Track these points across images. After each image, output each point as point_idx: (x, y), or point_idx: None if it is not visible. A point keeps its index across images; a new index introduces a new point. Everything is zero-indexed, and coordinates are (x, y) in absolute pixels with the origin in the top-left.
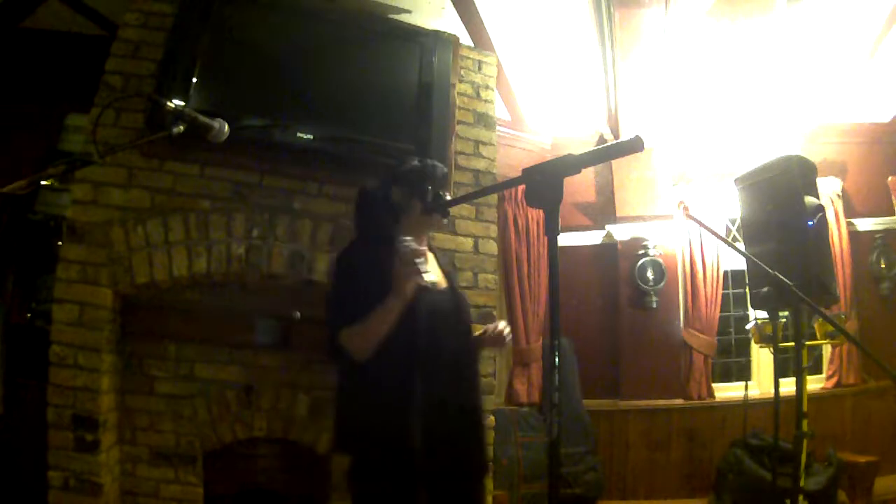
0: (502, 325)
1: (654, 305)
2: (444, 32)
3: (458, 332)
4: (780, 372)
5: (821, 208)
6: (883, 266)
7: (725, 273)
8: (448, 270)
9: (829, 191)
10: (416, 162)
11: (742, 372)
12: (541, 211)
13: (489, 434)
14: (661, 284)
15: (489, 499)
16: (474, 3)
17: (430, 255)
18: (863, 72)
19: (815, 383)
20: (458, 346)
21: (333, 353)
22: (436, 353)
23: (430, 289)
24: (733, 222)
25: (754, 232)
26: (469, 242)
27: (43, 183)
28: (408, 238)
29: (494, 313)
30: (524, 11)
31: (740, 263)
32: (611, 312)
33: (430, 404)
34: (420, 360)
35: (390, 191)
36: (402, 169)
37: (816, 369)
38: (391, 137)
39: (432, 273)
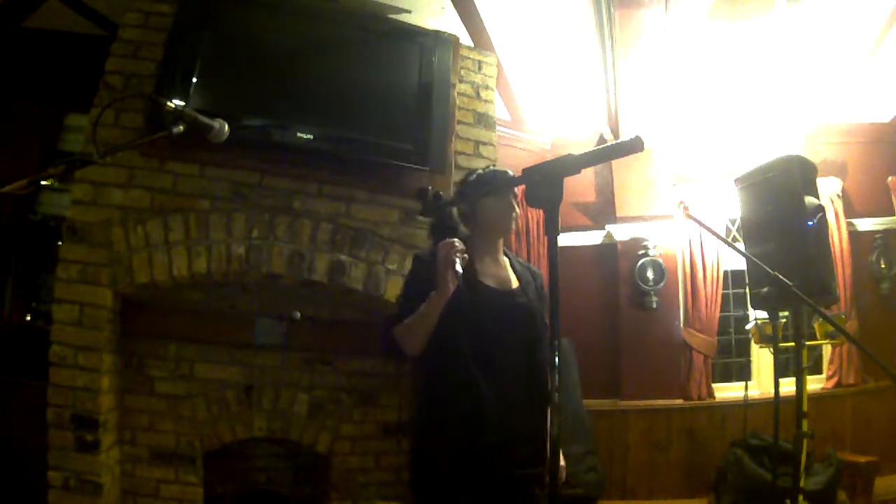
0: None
1: (654, 305)
2: (444, 32)
3: (524, 331)
4: (780, 372)
5: (821, 208)
6: (883, 266)
7: (725, 273)
8: (522, 274)
9: (829, 191)
10: (480, 170)
11: (742, 372)
12: (541, 211)
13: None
14: (661, 284)
15: None
16: (474, 3)
17: (505, 259)
18: (863, 72)
19: (815, 383)
20: (523, 345)
21: (388, 348)
22: (497, 352)
23: (490, 286)
24: (733, 222)
25: (754, 232)
26: None
27: (43, 183)
28: (452, 240)
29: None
30: (524, 11)
31: (740, 263)
32: (611, 312)
33: (491, 401)
34: (478, 358)
35: (458, 199)
36: (468, 178)
37: (816, 369)
38: (391, 137)
39: (501, 272)
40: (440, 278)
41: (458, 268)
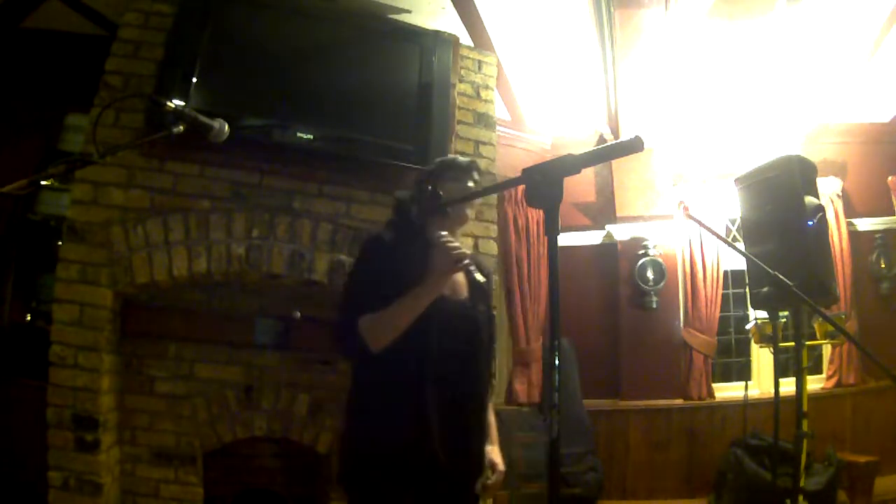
0: (493, 479)
1: (654, 305)
2: (444, 32)
3: (469, 343)
4: (780, 372)
5: (821, 208)
6: (883, 266)
7: (725, 273)
8: (473, 282)
9: (829, 191)
10: (438, 160)
11: (742, 372)
12: (541, 211)
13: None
14: (661, 284)
15: (489, 499)
16: (474, 3)
17: None
18: (863, 72)
19: (815, 383)
20: (466, 356)
21: (345, 341)
22: (441, 360)
23: (444, 295)
24: (733, 222)
25: (754, 232)
26: (469, 242)
27: (43, 183)
28: (444, 232)
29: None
30: (524, 11)
31: (740, 263)
32: (611, 312)
33: (433, 407)
34: (430, 362)
35: (421, 188)
36: (424, 168)
37: (816, 369)
38: (391, 137)
39: (454, 279)
40: (440, 276)
41: (476, 275)
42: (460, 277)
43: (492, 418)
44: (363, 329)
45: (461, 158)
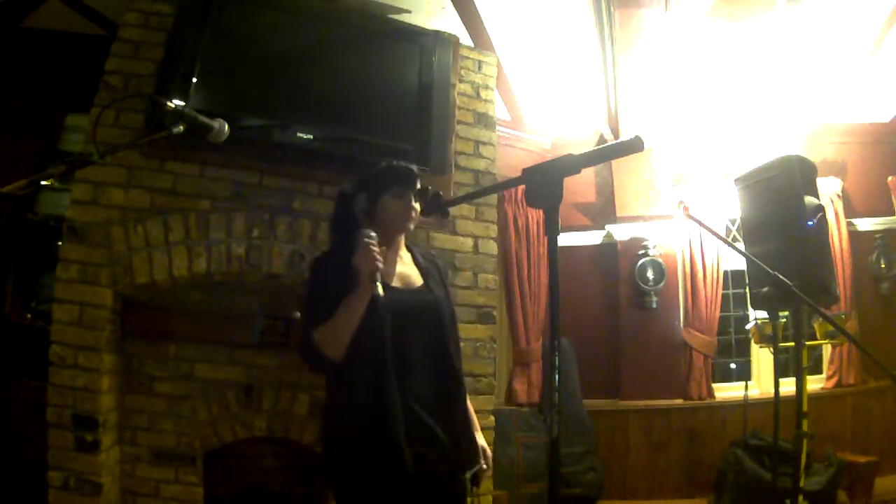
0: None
1: (654, 305)
2: (444, 32)
3: (433, 330)
4: (780, 372)
5: (821, 208)
6: (883, 266)
7: (725, 273)
8: (427, 269)
9: (829, 191)
10: (383, 164)
11: (742, 372)
12: (541, 211)
13: (489, 433)
14: (661, 284)
15: (489, 499)
16: (474, 3)
17: (408, 254)
18: (863, 71)
19: (815, 383)
20: (432, 344)
21: (309, 356)
22: (406, 352)
23: (396, 287)
24: (733, 222)
25: (754, 232)
26: (469, 242)
27: (43, 183)
28: (369, 231)
29: (495, 314)
30: (524, 11)
31: (740, 263)
32: (611, 312)
33: (402, 403)
34: (389, 358)
35: (358, 194)
36: (369, 171)
37: (816, 369)
38: (391, 137)
39: (404, 270)
40: (363, 276)
41: (380, 264)
42: (410, 267)
43: (468, 403)
44: (317, 343)
45: (409, 167)
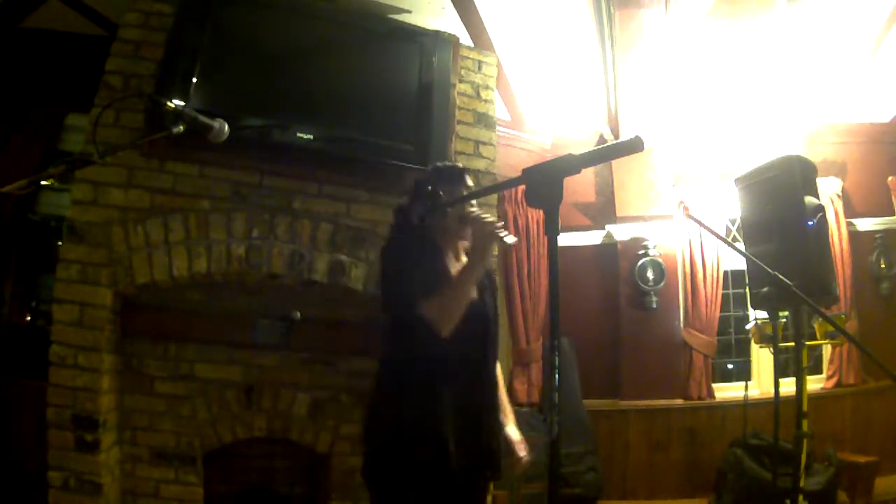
0: (521, 454)
1: (654, 305)
2: (444, 32)
3: (480, 342)
4: (780, 372)
5: (821, 208)
6: (883, 266)
7: (725, 273)
8: (481, 281)
9: (829, 191)
10: (429, 168)
11: (742, 372)
12: (541, 211)
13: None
14: (661, 284)
15: (489, 499)
16: (474, 3)
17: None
18: (863, 71)
19: (815, 383)
20: (476, 354)
21: (415, 336)
22: (454, 359)
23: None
24: (733, 222)
25: (754, 232)
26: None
27: (43, 183)
28: (473, 208)
29: None
30: (524, 11)
31: (740, 263)
32: (611, 312)
33: (451, 406)
34: (443, 361)
35: (413, 204)
36: (418, 179)
37: (816, 369)
38: (391, 137)
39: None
40: (484, 250)
41: (509, 239)
42: None
43: (504, 398)
44: (431, 315)
45: (456, 165)
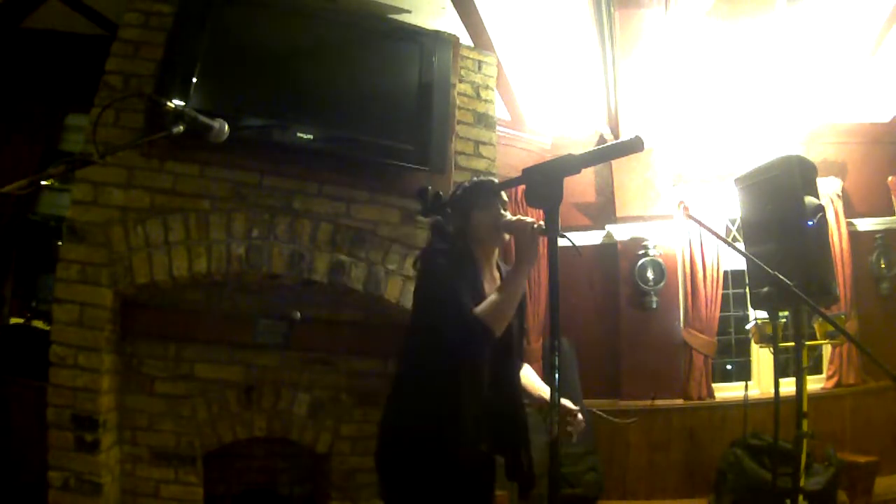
0: (575, 409)
1: (654, 305)
2: (444, 32)
3: (503, 353)
4: (780, 372)
5: (821, 208)
6: (883, 266)
7: (725, 273)
8: None
9: (829, 191)
10: (466, 183)
11: (742, 372)
12: (541, 211)
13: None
14: (661, 284)
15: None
16: (474, 3)
17: (497, 274)
18: (863, 71)
19: (815, 383)
20: (499, 364)
21: (471, 340)
22: (479, 366)
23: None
24: (733, 222)
25: (754, 232)
26: None
27: (43, 183)
28: (507, 214)
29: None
30: (524, 11)
31: (740, 263)
32: (611, 312)
33: (479, 405)
34: (483, 367)
35: (450, 218)
36: (454, 193)
37: (816, 369)
38: (391, 137)
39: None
40: (530, 249)
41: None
42: (497, 282)
43: (536, 380)
44: (484, 320)
45: (485, 179)
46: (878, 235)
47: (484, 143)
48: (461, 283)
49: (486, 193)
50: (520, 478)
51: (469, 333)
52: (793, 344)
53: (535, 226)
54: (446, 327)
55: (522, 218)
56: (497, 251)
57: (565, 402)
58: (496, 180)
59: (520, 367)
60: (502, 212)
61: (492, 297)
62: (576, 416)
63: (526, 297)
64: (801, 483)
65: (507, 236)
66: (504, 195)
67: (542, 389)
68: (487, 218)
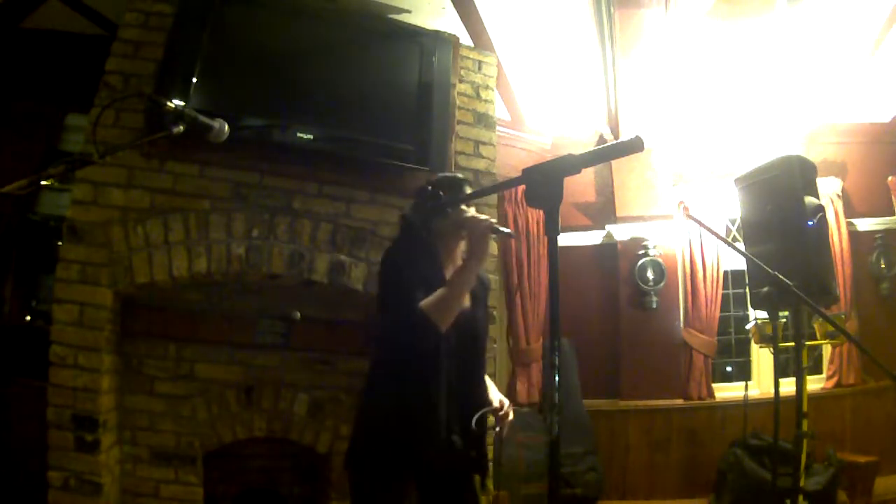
0: (507, 408)
1: (654, 305)
2: (444, 32)
3: (467, 350)
4: (780, 372)
5: (821, 208)
6: (883, 266)
7: (725, 273)
8: (473, 290)
9: (829, 191)
10: (431, 180)
11: (742, 372)
12: (541, 211)
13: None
14: (661, 284)
15: (489, 499)
16: (474, 3)
17: None
18: (863, 71)
19: (815, 383)
20: (463, 360)
21: (417, 334)
22: (441, 362)
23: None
24: (733, 222)
25: (754, 232)
26: None
27: (43, 183)
28: (466, 209)
29: (494, 314)
30: (524, 11)
31: (740, 263)
32: (611, 312)
33: (445, 405)
34: (441, 365)
35: (418, 215)
36: (420, 191)
37: (816, 369)
38: (391, 137)
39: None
40: (480, 247)
41: (505, 230)
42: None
43: (488, 380)
44: (428, 315)
45: (457, 175)
46: (878, 235)
47: (484, 143)
48: (415, 278)
49: (450, 189)
50: (481, 469)
51: (412, 326)
52: (793, 344)
53: (486, 223)
54: (397, 321)
55: (476, 215)
56: (461, 246)
57: (498, 396)
58: (461, 176)
59: (485, 361)
60: (462, 208)
61: (438, 292)
62: (507, 413)
63: (486, 289)
64: (801, 483)
65: (464, 232)
66: (467, 191)
67: (494, 392)
68: (452, 214)
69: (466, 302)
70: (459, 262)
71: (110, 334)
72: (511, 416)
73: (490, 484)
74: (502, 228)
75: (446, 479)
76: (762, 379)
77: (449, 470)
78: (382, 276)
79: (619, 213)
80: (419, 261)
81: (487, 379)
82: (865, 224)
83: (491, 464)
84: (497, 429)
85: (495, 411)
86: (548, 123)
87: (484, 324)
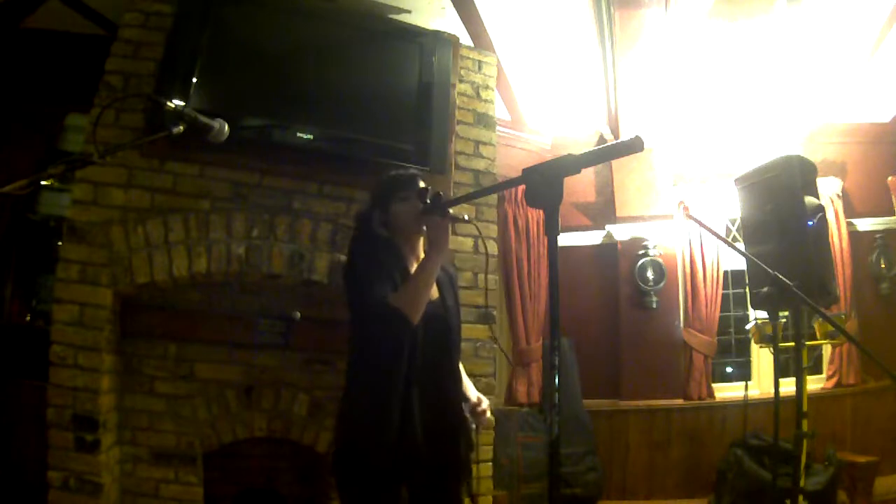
0: (484, 405)
1: (654, 305)
2: (444, 32)
3: (440, 343)
4: (780, 372)
5: (821, 208)
6: (883, 266)
7: (725, 273)
8: (440, 280)
9: (829, 191)
10: (383, 176)
11: (742, 372)
12: (541, 211)
13: (489, 434)
14: (661, 284)
15: (489, 499)
16: (474, 3)
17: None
18: (863, 71)
19: (815, 383)
20: (437, 354)
21: (387, 326)
22: (415, 357)
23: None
24: (733, 222)
25: (754, 232)
26: (469, 242)
27: (43, 183)
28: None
29: (494, 313)
30: (524, 11)
31: (740, 263)
32: (611, 312)
33: (419, 402)
34: (414, 360)
35: (373, 211)
36: (375, 186)
37: (816, 369)
38: (391, 137)
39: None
40: (440, 237)
41: (461, 216)
42: None
43: (465, 378)
44: (399, 307)
45: (408, 171)
46: (878, 235)
47: (484, 143)
48: (380, 273)
49: (405, 185)
50: (464, 469)
51: (382, 318)
52: (793, 344)
53: (444, 218)
54: (367, 316)
55: (427, 206)
56: (421, 240)
57: (475, 393)
58: (415, 172)
59: (459, 354)
60: (419, 206)
61: (404, 285)
62: (484, 411)
63: (452, 280)
64: (801, 483)
65: (423, 227)
66: (421, 184)
67: (471, 390)
68: (406, 208)
69: (435, 294)
70: (423, 255)
71: (110, 334)
72: (489, 414)
73: (490, 484)
74: (458, 215)
75: (427, 480)
76: (762, 379)
77: (427, 470)
78: (348, 276)
79: (619, 213)
80: (381, 256)
81: (464, 375)
82: (865, 224)
83: (491, 464)
84: (474, 426)
85: (472, 408)
86: (548, 123)
87: (456, 315)
